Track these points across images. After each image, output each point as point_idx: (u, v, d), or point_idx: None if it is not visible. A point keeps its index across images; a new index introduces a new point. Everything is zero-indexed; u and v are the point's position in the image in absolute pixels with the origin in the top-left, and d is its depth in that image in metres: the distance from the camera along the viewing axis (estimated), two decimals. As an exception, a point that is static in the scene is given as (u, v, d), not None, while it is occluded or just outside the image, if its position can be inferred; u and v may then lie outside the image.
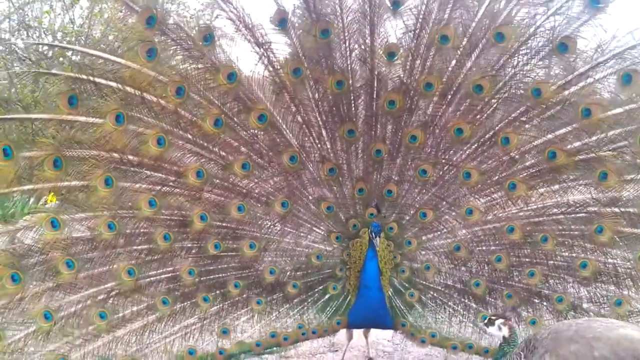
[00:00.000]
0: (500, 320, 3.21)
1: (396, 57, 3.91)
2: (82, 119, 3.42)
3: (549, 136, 3.90)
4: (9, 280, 3.34)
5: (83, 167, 3.44)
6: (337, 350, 4.89)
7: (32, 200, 3.53)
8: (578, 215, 3.98)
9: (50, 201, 3.80)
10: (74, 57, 3.74)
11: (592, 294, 4.06)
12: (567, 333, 2.83)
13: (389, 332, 4.82)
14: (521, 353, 2.99)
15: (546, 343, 2.87)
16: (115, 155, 3.52)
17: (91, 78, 3.37)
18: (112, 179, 3.51)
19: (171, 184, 3.75)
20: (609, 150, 3.84)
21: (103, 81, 3.42)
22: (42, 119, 3.42)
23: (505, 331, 3.19)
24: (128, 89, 3.48)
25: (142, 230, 3.72)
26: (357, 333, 4.59)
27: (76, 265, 3.51)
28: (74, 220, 3.51)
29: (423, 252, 4.26)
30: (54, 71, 3.41)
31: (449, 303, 4.26)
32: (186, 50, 3.64)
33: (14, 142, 3.23)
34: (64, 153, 3.37)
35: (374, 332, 4.77)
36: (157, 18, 3.46)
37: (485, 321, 3.29)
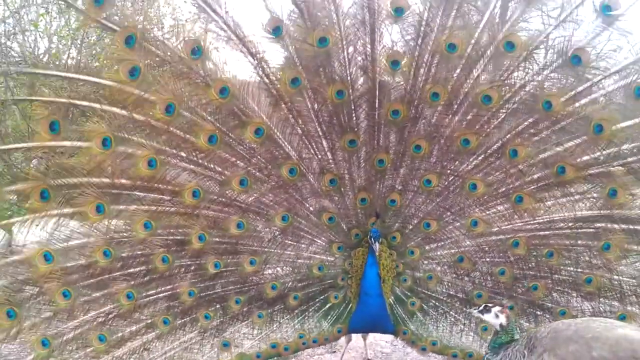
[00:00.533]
0: (497, 308, 3.14)
1: (400, 66, 3.70)
2: (68, 143, 3.31)
3: (558, 149, 3.75)
4: (4, 316, 3.33)
5: (72, 195, 3.35)
6: (335, 352, 4.94)
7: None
8: (585, 230, 3.88)
9: None
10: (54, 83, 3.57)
11: (595, 308, 3.99)
12: (566, 332, 2.81)
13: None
14: (525, 352, 2.95)
15: (545, 342, 2.85)
16: (105, 180, 3.43)
17: (73, 101, 3.25)
18: (104, 206, 3.43)
19: (166, 204, 3.66)
20: (619, 166, 3.70)
21: (86, 103, 3.30)
22: (22, 148, 3.32)
23: (502, 319, 3.11)
24: (114, 109, 3.35)
25: (138, 253, 3.67)
26: (356, 335, 4.60)
27: (72, 294, 3.49)
28: (67, 249, 3.45)
29: (426, 262, 4.21)
30: (33, 97, 3.26)
31: (451, 312, 4.23)
32: (172, 67, 3.46)
33: None
34: (51, 183, 3.29)
35: (373, 334, 4.77)
36: (137, 37, 3.28)
37: (481, 308, 3.19)
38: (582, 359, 2.64)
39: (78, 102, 3.28)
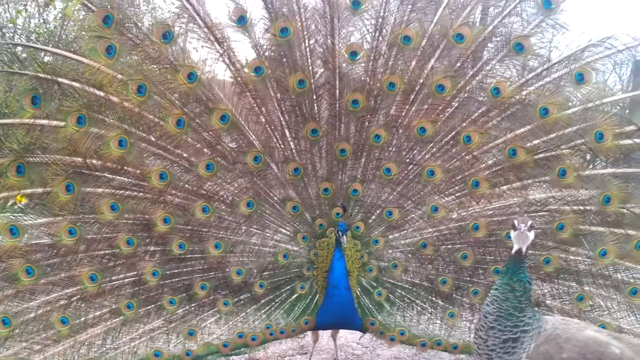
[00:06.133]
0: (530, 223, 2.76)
1: (358, 57, 3.91)
2: (45, 122, 3.38)
3: (509, 135, 3.95)
4: None
5: (45, 174, 3.40)
6: (306, 353, 4.87)
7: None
8: (539, 213, 4.03)
9: (19, 201, 3.74)
10: (39, 57, 3.69)
11: (554, 290, 4.11)
12: (547, 333, 2.75)
13: (357, 335, 4.81)
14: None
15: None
16: (77, 159, 3.49)
17: (53, 77, 3.34)
18: (74, 185, 3.48)
19: (134, 187, 3.72)
20: (567, 148, 3.91)
21: (66, 81, 3.39)
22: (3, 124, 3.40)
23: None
24: (90, 89, 3.45)
25: (104, 236, 3.68)
26: (325, 335, 4.54)
27: (36, 272, 3.48)
28: (34, 226, 3.46)
29: (390, 251, 4.28)
30: (16, 70, 3.37)
31: (417, 301, 4.28)
32: (144, 50, 3.59)
33: None
34: (27, 159, 3.34)
35: (343, 335, 4.74)
36: (114, 17, 3.43)
37: (529, 225, 2.75)
38: None
39: (60, 80, 3.37)
